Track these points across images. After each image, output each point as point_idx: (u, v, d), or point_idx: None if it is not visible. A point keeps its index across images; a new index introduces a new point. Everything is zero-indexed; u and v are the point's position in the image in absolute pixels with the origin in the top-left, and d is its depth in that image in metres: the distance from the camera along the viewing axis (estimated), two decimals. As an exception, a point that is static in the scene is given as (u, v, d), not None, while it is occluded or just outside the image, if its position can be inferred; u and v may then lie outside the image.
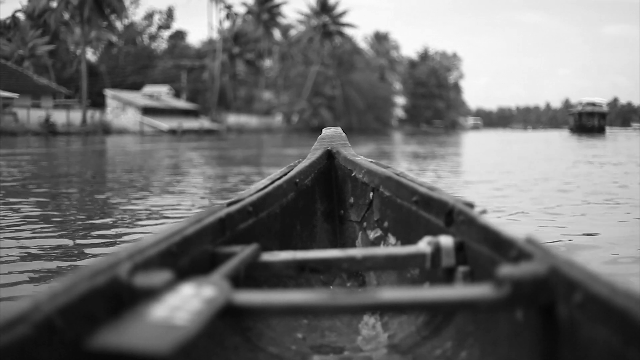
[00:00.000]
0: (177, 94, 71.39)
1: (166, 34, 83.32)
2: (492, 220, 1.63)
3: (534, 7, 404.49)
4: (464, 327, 1.65)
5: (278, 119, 73.11)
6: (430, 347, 1.72)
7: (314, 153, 3.08)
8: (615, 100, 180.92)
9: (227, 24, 75.13)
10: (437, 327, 1.78)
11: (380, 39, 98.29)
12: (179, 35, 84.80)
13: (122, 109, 58.39)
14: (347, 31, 78.41)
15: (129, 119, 57.84)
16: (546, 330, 1.23)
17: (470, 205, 1.82)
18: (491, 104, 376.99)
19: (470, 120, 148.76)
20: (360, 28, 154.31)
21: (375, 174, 2.64)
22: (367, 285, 2.58)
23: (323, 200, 2.99)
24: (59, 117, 48.37)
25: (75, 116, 51.22)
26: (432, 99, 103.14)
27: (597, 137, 49.75)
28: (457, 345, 1.61)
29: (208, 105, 70.19)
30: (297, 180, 2.71)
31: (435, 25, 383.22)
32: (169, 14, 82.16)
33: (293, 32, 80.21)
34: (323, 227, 2.96)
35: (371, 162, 2.84)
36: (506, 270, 1.25)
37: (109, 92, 59.67)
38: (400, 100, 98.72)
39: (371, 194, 2.69)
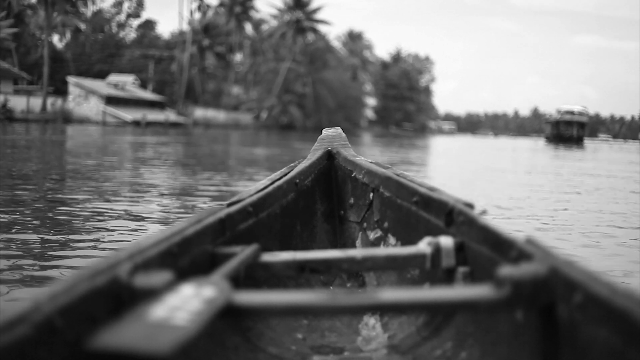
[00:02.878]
0: (143, 85, 69.91)
1: (135, 22, 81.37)
2: (492, 220, 1.64)
3: (505, 14, 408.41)
4: (464, 327, 1.65)
5: (249, 116, 71.68)
6: (430, 347, 1.73)
7: (314, 153, 3.09)
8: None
9: (198, 16, 73.85)
10: (437, 327, 1.79)
11: (354, 37, 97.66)
12: (149, 24, 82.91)
13: (84, 98, 56.63)
14: (321, 28, 77.56)
15: (92, 108, 56.20)
16: (546, 330, 1.24)
17: (470, 206, 1.83)
18: (459, 109, 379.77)
19: (446, 125, 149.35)
20: (334, 25, 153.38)
21: (376, 175, 2.65)
22: (367, 285, 2.58)
23: (323, 201, 3.00)
24: (19, 102, 46.64)
25: (36, 103, 49.47)
26: (403, 101, 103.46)
27: (576, 147, 48.58)
28: (457, 346, 1.62)
29: (175, 98, 68.79)
30: (297, 180, 2.72)
31: (406, 28, 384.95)
32: (139, 3, 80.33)
33: (265, 27, 79.25)
34: (323, 228, 2.97)
35: (371, 162, 2.84)
36: (506, 270, 1.26)
37: (71, 79, 57.92)
38: (371, 101, 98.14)
39: (371, 194, 2.70)
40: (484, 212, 1.80)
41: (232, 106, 73.06)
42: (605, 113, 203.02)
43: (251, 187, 2.35)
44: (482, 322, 1.56)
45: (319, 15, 76.78)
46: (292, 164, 2.96)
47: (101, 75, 65.58)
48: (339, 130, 3.42)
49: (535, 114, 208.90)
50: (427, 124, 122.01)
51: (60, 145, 19.84)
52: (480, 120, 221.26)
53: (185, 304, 1.08)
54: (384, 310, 1.65)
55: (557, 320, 1.19)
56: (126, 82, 62.82)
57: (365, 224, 2.77)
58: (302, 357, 1.80)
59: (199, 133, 41.55)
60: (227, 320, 1.69)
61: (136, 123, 52.37)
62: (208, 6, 74.94)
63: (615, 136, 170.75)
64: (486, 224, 1.62)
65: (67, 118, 49.28)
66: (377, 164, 2.83)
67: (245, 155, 18.77)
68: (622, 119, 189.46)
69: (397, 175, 2.48)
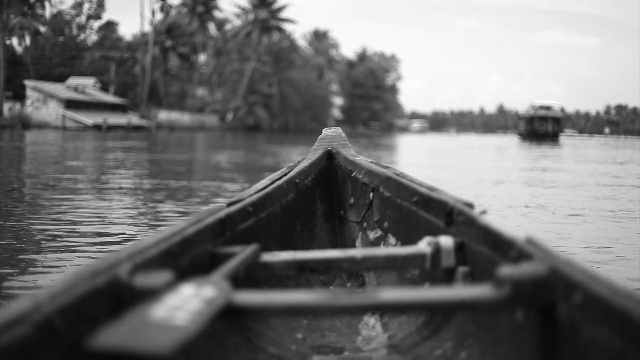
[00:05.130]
0: (105, 88, 68.02)
1: (96, 24, 79.33)
2: (492, 220, 1.64)
3: (467, 12, 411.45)
4: (464, 327, 1.65)
5: (214, 118, 70.39)
6: (430, 347, 1.73)
7: (314, 153, 3.08)
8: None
9: (160, 16, 72.35)
10: (437, 327, 1.79)
11: (319, 36, 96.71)
12: (110, 26, 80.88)
13: (43, 102, 54.78)
14: (286, 27, 76.63)
15: (51, 112, 54.48)
16: (546, 330, 1.25)
17: (470, 206, 1.83)
18: (425, 107, 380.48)
19: (416, 123, 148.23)
20: (299, 24, 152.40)
21: (376, 174, 2.65)
22: (367, 285, 2.58)
23: (323, 201, 3.00)
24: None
25: (-7, 108, 47.71)
26: (370, 100, 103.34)
27: (551, 144, 46.42)
28: (457, 345, 1.61)
29: (138, 101, 67.23)
30: (297, 180, 2.73)
31: (370, 27, 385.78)
32: (100, 4, 78.02)
33: (229, 27, 78.00)
34: (323, 228, 2.96)
35: (371, 162, 2.85)
36: (506, 270, 1.27)
37: (29, 83, 55.92)
38: (338, 100, 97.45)
39: (371, 194, 2.69)
40: (484, 212, 1.77)
41: (196, 108, 71.92)
42: (570, 108, 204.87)
43: (251, 187, 2.34)
44: (482, 322, 1.56)
45: (284, 14, 75.99)
46: (292, 164, 2.96)
47: (62, 78, 63.50)
48: (338, 130, 3.40)
49: (501, 111, 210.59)
50: (394, 122, 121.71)
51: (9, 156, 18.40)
52: (446, 118, 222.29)
53: (185, 304, 1.08)
54: (384, 310, 1.70)
55: (557, 320, 1.20)
56: (86, 85, 60.98)
57: (365, 224, 2.77)
58: (302, 357, 1.79)
59: (162, 137, 40.31)
60: (227, 320, 1.69)
61: (97, 127, 51.04)
62: (170, 6, 73.59)
63: (581, 131, 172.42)
64: (486, 224, 1.62)
65: (25, 123, 47.70)
66: (377, 163, 2.82)
67: (213, 166, 16.88)
68: (587, 114, 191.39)
69: (397, 175, 2.47)
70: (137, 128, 55.84)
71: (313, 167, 2.95)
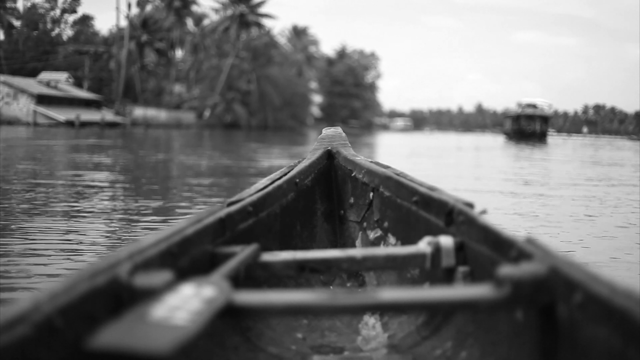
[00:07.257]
0: (79, 83, 66.49)
1: (71, 18, 77.45)
2: (492, 220, 1.64)
3: (447, 11, 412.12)
4: (464, 327, 1.65)
5: (191, 115, 68.93)
6: (430, 347, 1.72)
7: (314, 153, 3.06)
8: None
9: (135, 10, 70.82)
10: (437, 327, 1.78)
11: (298, 33, 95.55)
12: (85, 20, 79.09)
13: (13, 97, 53.40)
14: (265, 23, 75.41)
15: (21, 108, 53.17)
16: (546, 330, 1.25)
17: (470, 206, 1.83)
18: (404, 106, 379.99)
19: (400, 122, 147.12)
20: (280, 21, 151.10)
21: (375, 174, 2.64)
22: (367, 285, 2.57)
23: (323, 200, 2.98)
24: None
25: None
26: (349, 98, 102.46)
27: (539, 144, 45.02)
28: (457, 345, 1.61)
29: (113, 97, 65.57)
30: (297, 180, 2.71)
31: (349, 26, 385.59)
32: (75, -3, 76.39)
33: (207, 22, 76.54)
34: (323, 227, 2.94)
35: (371, 162, 2.84)
36: (506, 270, 1.27)
37: (-2, 78, 54.26)
38: (317, 98, 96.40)
39: (371, 194, 2.68)
40: (484, 212, 1.77)
41: (173, 105, 70.73)
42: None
43: (251, 187, 2.32)
44: (482, 321, 1.56)
45: (263, 9, 74.74)
46: (292, 164, 2.94)
47: (35, 73, 62.08)
48: (338, 129, 3.43)
49: (480, 110, 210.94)
50: (373, 120, 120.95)
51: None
52: (424, 117, 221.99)
53: (185, 303, 1.08)
54: (384, 309, 1.69)
55: (557, 320, 1.20)
56: (59, 80, 59.59)
57: (365, 224, 2.75)
58: (302, 356, 1.78)
59: (136, 134, 39.10)
60: (227, 320, 1.69)
61: (70, 123, 49.75)
62: (147, 0, 71.98)
63: (559, 131, 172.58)
64: (486, 224, 1.62)
65: (-6, 120, 46.08)
66: (377, 163, 2.82)
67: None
68: (565, 114, 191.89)
69: (397, 174, 2.47)
70: (112, 125, 54.66)
71: (313, 167, 2.94)
